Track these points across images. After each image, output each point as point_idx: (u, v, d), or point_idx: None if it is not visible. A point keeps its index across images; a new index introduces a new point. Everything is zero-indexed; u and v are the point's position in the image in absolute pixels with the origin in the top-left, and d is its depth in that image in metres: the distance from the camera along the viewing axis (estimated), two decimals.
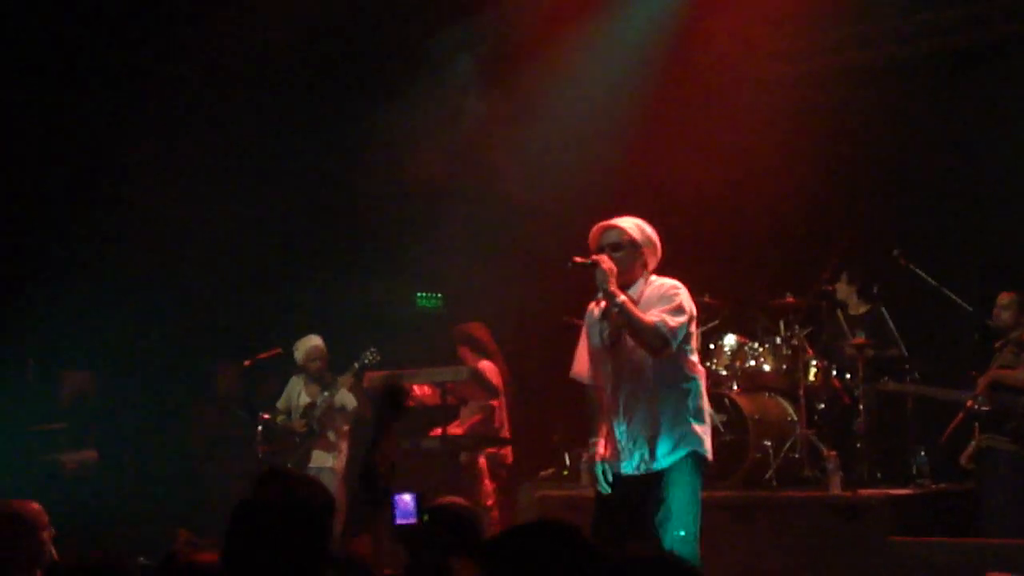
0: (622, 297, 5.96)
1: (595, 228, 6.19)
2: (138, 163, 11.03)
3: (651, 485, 6.01)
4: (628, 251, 6.10)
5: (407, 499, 4.02)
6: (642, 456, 6.05)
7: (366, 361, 9.77)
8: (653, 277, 6.21)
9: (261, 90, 11.26)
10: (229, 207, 11.17)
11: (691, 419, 6.10)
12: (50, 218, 10.93)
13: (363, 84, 11.66)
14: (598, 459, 6.17)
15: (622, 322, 6.01)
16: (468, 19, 11.37)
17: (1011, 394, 8.41)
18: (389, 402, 4.08)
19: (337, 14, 11.00)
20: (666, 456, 6.03)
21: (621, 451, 6.10)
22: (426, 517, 4.07)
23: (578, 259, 6.01)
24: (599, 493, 6.19)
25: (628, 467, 6.09)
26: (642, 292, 6.12)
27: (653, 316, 5.96)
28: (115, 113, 11.01)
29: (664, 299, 6.07)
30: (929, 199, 10.69)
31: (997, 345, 8.75)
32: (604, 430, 6.20)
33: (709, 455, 6.13)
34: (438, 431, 9.68)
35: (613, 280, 5.97)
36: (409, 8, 11.36)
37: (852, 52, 11.41)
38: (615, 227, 6.14)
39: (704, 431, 6.13)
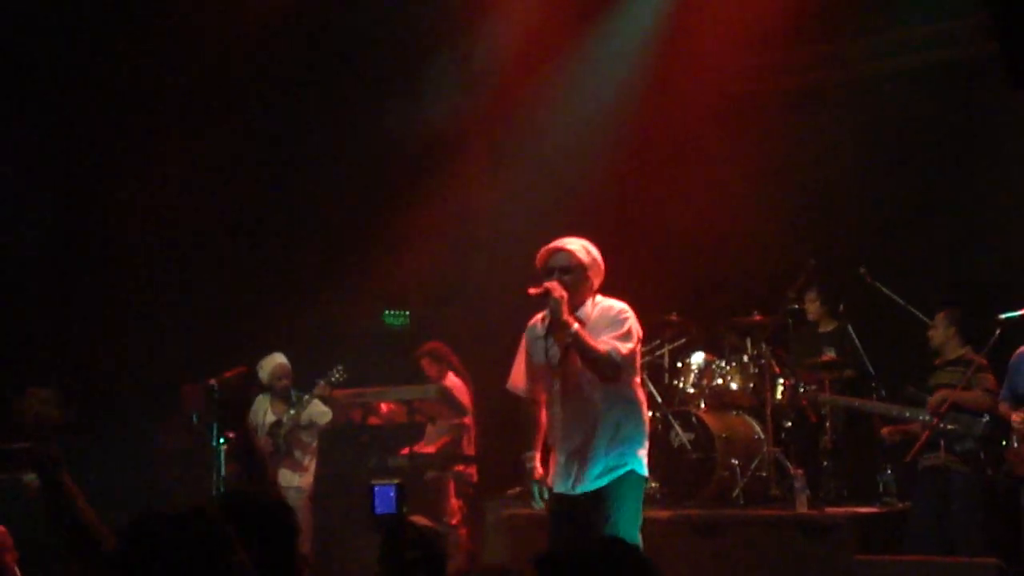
0: (576, 326, 5.99)
1: (543, 251, 6.20)
2: (104, 182, 10.99)
3: (595, 503, 6.06)
4: (576, 274, 6.13)
5: (387, 489, 4.00)
6: (583, 475, 6.10)
7: (333, 379, 9.73)
8: (599, 298, 6.25)
9: (229, 111, 11.22)
10: (194, 223, 11.12)
11: (631, 439, 6.18)
12: (14, 235, 10.84)
13: (332, 101, 11.63)
14: (536, 476, 6.22)
15: (576, 347, 6.02)
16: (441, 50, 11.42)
17: (967, 415, 8.45)
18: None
19: (309, 39, 11.02)
20: (607, 475, 6.10)
21: (561, 470, 6.16)
22: (406, 509, 4.06)
23: (533, 291, 6.04)
24: (551, 511, 6.24)
25: (566, 486, 6.14)
26: (590, 314, 6.15)
27: (605, 343, 6.01)
28: (80, 137, 10.97)
29: (614, 323, 6.11)
30: (896, 217, 10.72)
31: (937, 363, 8.83)
32: (540, 445, 6.24)
33: (646, 474, 6.23)
34: (405, 450, 9.66)
35: (566, 307, 5.99)
36: (384, 32, 11.36)
37: (821, 71, 11.45)
38: (563, 250, 6.16)
39: (643, 452, 6.21)
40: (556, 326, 6.04)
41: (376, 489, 3.90)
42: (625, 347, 6.06)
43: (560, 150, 11.38)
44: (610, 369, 6.04)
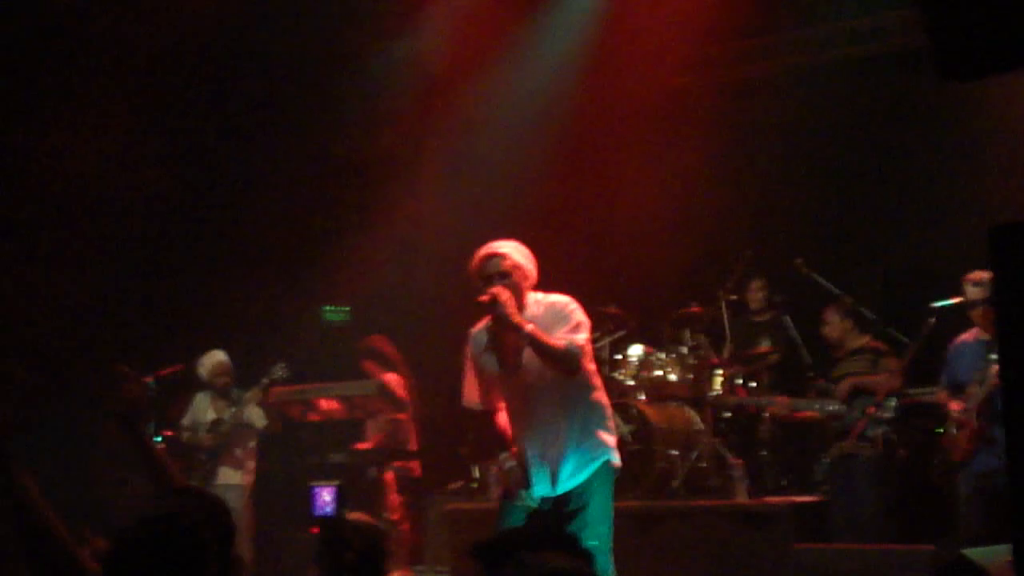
0: (529, 326, 5.94)
1: (476, 258, 6.11)
2: (43, 169, 10.86)
3: (571, 498, 6.01)
4: (515, 276, 6.06)
5: (327, 490, 3.97)
6: (560, 474, 6.04)
7: (275, 376, 9.68)
8: (539, 295, 6.19)
9: (169, 102, 11.13)
10: (134, 217, 11.04)
11: (599, 430, 6.12)
12: None
13: (274, 94, 11.57)
14: (523, 483, 6.10)
15: (534, 348, 6.00)
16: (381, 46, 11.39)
17: (872, 400, 8.60)
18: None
19: (243, 37, 10.95)
20: (580, 471, 6.03)
21: (533, 474, 6.09)
22: (347, 510, 4.03)
23: (482, 298, 5.95)
24: (506, 507, 6.16)
25: (544, 489, 6.07)
26: (535, 313, 6.08)
27: (561, 339, 5.96)
28: (20, 120, 10.84)
29: (562, 319, 6.05)
30: (832, 208, 10.82)
31: (838, 355, 9.02)
32: (514, 449, 6.20)
33: (619, 463, 6.16)
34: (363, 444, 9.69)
35: (515, 311, 5.96)
36: (325, 27, 11.31)
37: (755, 63, 11.53)
38: (497, 254, 6.07)
39: (612, 439, 6.16)
40: (508, 330, 6.00)
41: (315, 490, 3.88)
42: (581, 338, 6.01)
43: (499, 144, 11.39)
44: (572, 362, 5.99)
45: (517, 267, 6.08)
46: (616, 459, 6.13)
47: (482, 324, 6.17)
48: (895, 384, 8.66)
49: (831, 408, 8.74)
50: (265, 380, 9.69)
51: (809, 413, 9.03)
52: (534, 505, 6.05)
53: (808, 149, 10.92)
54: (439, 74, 11.47)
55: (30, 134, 10.70)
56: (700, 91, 11.45)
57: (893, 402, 8.59)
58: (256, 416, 9.78)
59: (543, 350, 5.95)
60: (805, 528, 8.43)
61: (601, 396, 6.22)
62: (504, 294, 5.94)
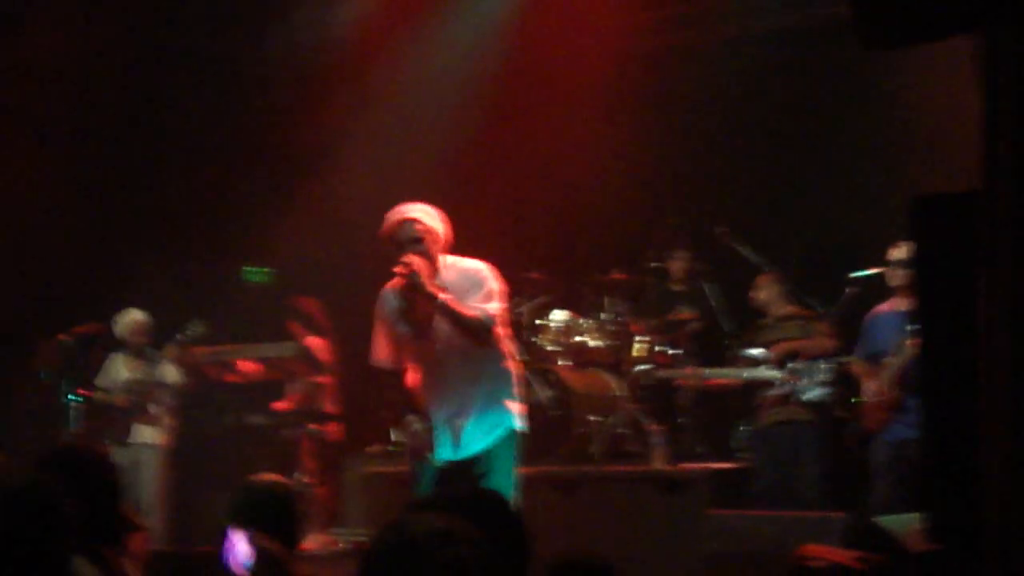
0: (442, 296, 5.95)
1: (388, 223, 6.11)
2: None
3: (476, 463, 6.06)
4: (427, 241, 6.05)
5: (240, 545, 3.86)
6: (463, 438, 6.09)
7: (188, 333, 9.58)
8: (452, 259, 6.19)
9: (89, 55, 10.95)
10: (48, 178, 10.85)
11: (505, 397, 6.19)
12: None
13: (192, 48, 11.42)
14: (428, 446, 6.14)
15: (446, 317, 5.99)
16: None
17: (808, 364, 8.67)
18: None
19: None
20: (485, 436, 6.09)
21: (442, 437, 6.13)
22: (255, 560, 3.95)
23: (399, 271, 5.96)
24: (416, 471, 6.20)
25: (447, 453, 6.11)
26: (445, 278, 6.09)
27: (473, 308, 5.99)
28: None
29: (476, 285, 6.08)
30: (754, 177, 10.87)
31: (763, 322, 9.09)
32: (422, 411, 6.20)
33: (524, 429, 6.23)
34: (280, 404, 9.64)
35: (429, 280, 5.96)
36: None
37: (683, 31, 11.52)
38: (410, 219, 6.07)
39: (518, 406, 6.22)
40: (422, 299, 5.99)
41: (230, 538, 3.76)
42: (493, 307, 6.05)
43: (424, 108, 11.32)
44: (484, 333, 6.04)
45: (429, 231, 6.07)
46: (522, 427, 6.19)
47: (394, 283, 6.15)
48: (829, 346, 8.73)
49: (767, 375, 8.80)
50: (180, 337, 9.59)
51: (729, 381, 9.09)
52: (438, 467, 6.08)
53: (736, 118, 10.95)
54: (364, 35, 11.36)
55: None
56: (628, 58, 11.42)
57: (825, 364, 8.65)
58: (170, 373, 9.68)
59: (456, 319, 5.98)
60: (723, 495, 8.49)
61: (510, 364, 6.26)
62: (417, 262, 5.93)
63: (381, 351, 6.32)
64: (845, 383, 8.67)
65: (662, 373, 9.51)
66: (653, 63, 11.31)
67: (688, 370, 9.47)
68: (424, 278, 5.92)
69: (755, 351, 8.90)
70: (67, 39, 10.65)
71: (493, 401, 6.13)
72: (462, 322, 5.97)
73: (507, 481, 6.01)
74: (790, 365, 8.71)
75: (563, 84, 11.26)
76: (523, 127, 11.36)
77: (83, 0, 10.50)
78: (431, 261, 6.05)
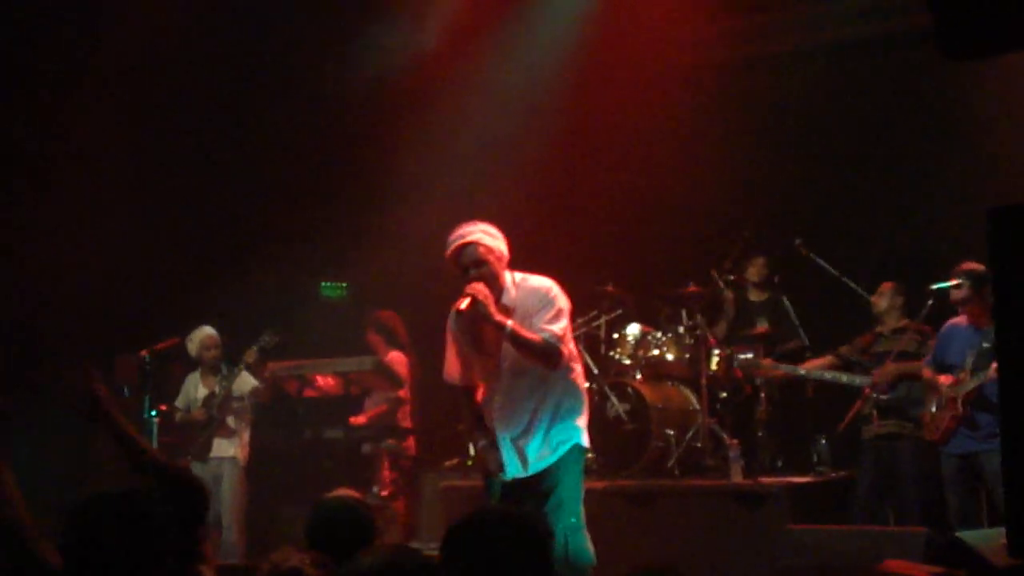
0: (509, 324, 5.96)
1: (450, 249, 6.13)
2: (34, 149, 10.84)
3: (542, 479, 6.09)
4: (491, 263, 6.07)
5: None
6: (530, 456, 6.13)
7: (264, 344, 9.63)
8: (518, 276, 6.21)
9: (164, 77, 11.09)
10: (128, 196, 11.00)
11: (573, 413, 6.20)
12: None
13: (268, 69, 11.53)
14: (498, 466, 6.17)
15: (513, 343, 6.02)
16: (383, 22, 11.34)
17: (919, 384, 8.54)
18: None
19: (243, 17, 10.92)
20: (552, 454, 6.11)
21: (509, 455, 6.15)
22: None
23: (463, 307, 5.99)
24: (488, 493, 6.24)
25: (515, 469, 6.14)
26: (514, 297, 6.11)
27: (539, 332, 6.00)
28: (16, 101, 10.82)
29: (544, 305, 6.09)
30: (831, 189, 10.78)
31: (879, 330, 8.94)
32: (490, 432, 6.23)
33: (588, 444, 6.27)
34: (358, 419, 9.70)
35: (494, 307, 5.97)
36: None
37: (758, 42, 11.47)
38: (470, 243, 6.08)
39: (583, 422, 6.24)
40: (488, 324, 6.03)
41: None
42: (559, 327, 6.05)
43: (497, 119, 11.33)
44: (551, 356, 6.05)
45: (491, 251, 6.08)
46: (585, 441, 6.22)
47: (462, 303, 6.16)
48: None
49: (858, 383, 8.73)
50: (254, 347, 9.64)
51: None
52: (506, 483, 6.10)
53: (810, 129, 10.87)
54: (440, 49, 11.41)
55: (28, 113, 10.70)
56: (704, 69, 11.38)
57: None
58: (245, 384, 9.73)
59: (522, 345, 6.01)
60: (803, 509, 8.42)
61: (577, 379, 6.30)
62: (482, 291, 5.95)
63: (452, 369, 6.37)
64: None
65: (768, 364, 9.39)
66: (726, 74, 11.27)
67: (794, 368, 9.37)
68: (490, 306, 5.95)
69: (857, 379, 8.78)
70: (147, 58, 10.81)
71: (559, 418, 6.15)
72: (529, 347, 6.00)
73: (573, 495, 6.05)
74: (900, 384, 8.60)
75: (636, 98, 11.23)
76: (597, 141, 11.35)
77: (163, 21, 10.59)
78: (495, 281, 6.07)
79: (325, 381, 10.03)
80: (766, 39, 11.40)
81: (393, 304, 10.73)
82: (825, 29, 11.12)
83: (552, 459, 6.09)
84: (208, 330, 9.90)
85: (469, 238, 6.08)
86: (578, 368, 6.33)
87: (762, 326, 9.81)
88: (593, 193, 11.35)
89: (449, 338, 6.34)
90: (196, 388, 9.89)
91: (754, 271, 10.16)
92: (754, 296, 10.17)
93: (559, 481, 6.03)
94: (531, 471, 6.11)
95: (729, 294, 10.17)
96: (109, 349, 10.61)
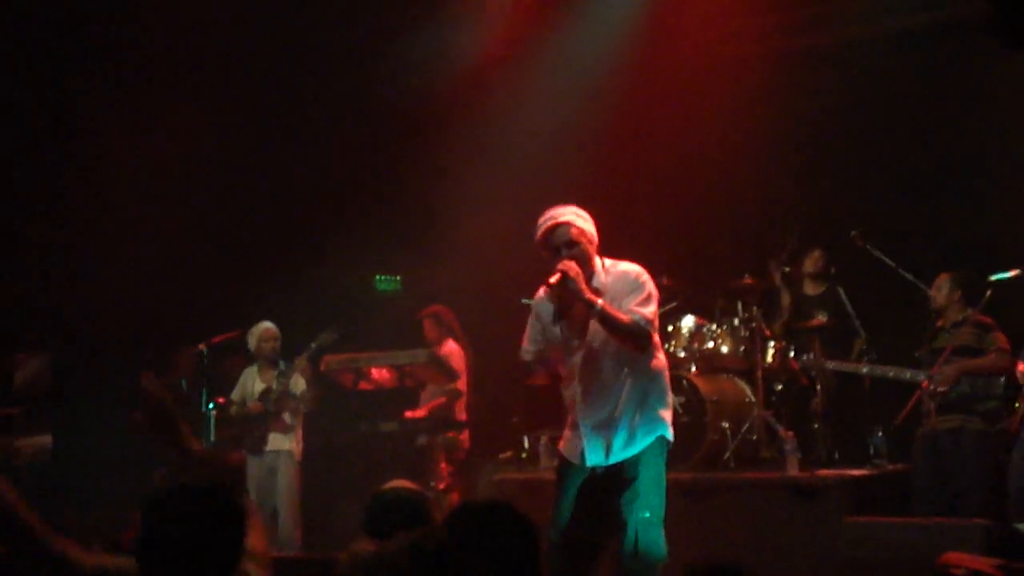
0: (600, 302, 5.86)
1: (541, 229, 6.03)
2: (94, 146, 10.97)
3: (624, 469, 5.98)
4: (582, 244, 5.99)
5: None
6: (614, 445, 6.01)
7: (323, 341, 9.68)
8: (608, 261, 6.12)
9: (219, 76, 11.18)
10: (185, 191, 11.10)
11: (657, 404, 6.09)
12: (5, 200, 10.82)
13: (320, 67, 11.59)
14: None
15: (604, 324, 5.91)
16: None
17: (983, 378, 8.47)
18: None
19: (294, 17, 10.99)
20: (635, 444, 5.99)
21: (591, 442, 6.05)
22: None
23: (553, 281, 5.87)
24: (563, 480, 6.15)
25: (597, 458, 6.04)
26: (604, 281, 6.02)
27: (629, 313, 5.91)
28: (76, 101, 10.94)
29: (633, 288, 6.00)
30: (888, 180, 10.71)
31: (939, 324, 8.85)
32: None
33: (672, 437, 6.13)
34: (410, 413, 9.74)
35: (584, 285, 5.87)
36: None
37: (813, 33, 11.40)
38: (562, 224, 6.00)
39: (668, 414, 6.12)
40: (578, 304, 5.92)
41: None
42: (649, 311, 5.95)
43: (550, 111, 11.33)
44: (641, 339, 5.96)
45: (583, 233, 6.01)
46: (670, 434, 6.10)
47: (544, 292, 6.12)
48: (1003, 364, 8.44)
49: (917, 379, 8.67)
50: (314, 345, 9.69)
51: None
52: (587, 471, 6.03)
53: (866, 119, 10.81)
54: (492, 44, 11.43)
55: (95, 121, 10.83)
56: (757, 61, 11.33)
57: (1003, 378, 8.44)
58: (299, 384, 9.78)
59: (614, 326, 5.88)
60: (861, 502, 8.37)
61: (662, 368, 6.16)
62: (573, 268, 5.87)
63: (528, 345, 6.26)
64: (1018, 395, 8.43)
65: (832, 365, 9.35)
66: (782, 66, 11.20)
67: (853, 364, 9.32)
68: (581, 284, 5.86)
69: (921, 375, 8.70)
70: (202, 58, 10.91)
71: (645, 408, 6.03)
72: (620, 328, 5.88)
73: (655, 488, 5.94)
74: (962, 380, 8.53)
75: (691, 89, 11.21)
76: (650, 135, 11.35)
77: (217, 18, 10.68)
78: (587, 264, 5.99)
79: (380, 374, 10.06)
80: (822, 30, 11.33)
81: (447, 297, 10.76)
82: (882, 18, 11.04)
83: (635, 450, 5.98)
84: (266, 324, 9.98)
85: (561, 219, 6.00)
86: (663, 357, 6.23)
87: (818, 318, 9.74)
88: (647, 186, 11.35)
89: (531, 315, 6.25)
90: (253, 382, 9.96)
91: (810, 263, 10.10)
92: (810, 289, 10.11)
93: (638, 474, 5.92)
94: (612, 460, 6.00)
95: (784, 286, 10.11)
96: (169, 343, 10.73)
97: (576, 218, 6.03)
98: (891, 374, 8.98)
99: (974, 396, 8.50)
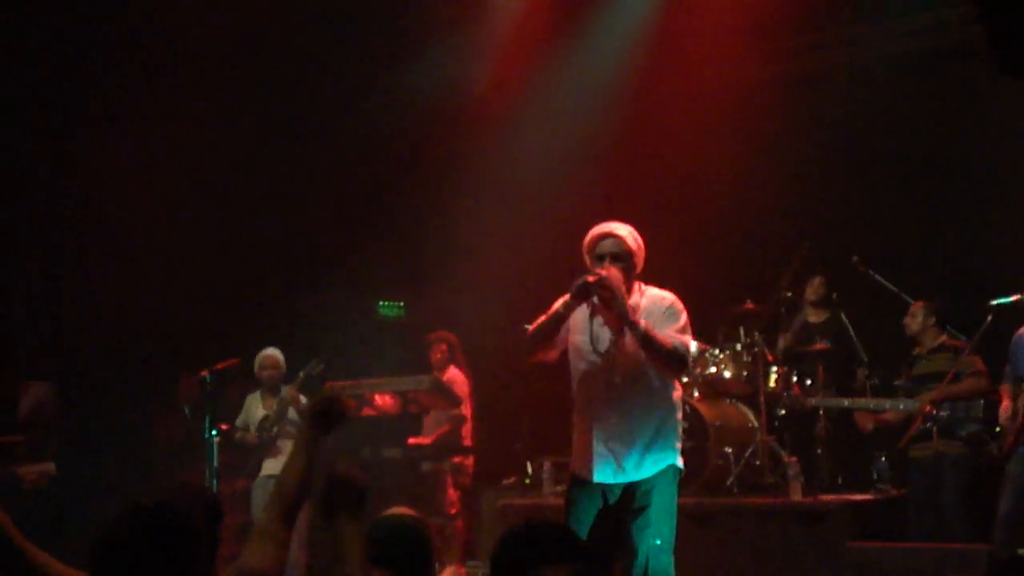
0: (643, 323, 5.85)
1: (591, 235, 6.03)
2: (101, 171, 11.00)
3: (636, 492, 5.95)
4: (626, 261, 5.97)
5: None
6: (626, 464, 5.96)
7: (311, 372, 9.65)
8: (644, 287, 6.11)
9: (221, 100, 11.23)
10: (190, 217, 11.13)
11: (672, 434, 6.06)
12: (10, 224, 10.86)
13: (323, 90, 11.64)
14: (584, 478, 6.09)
15: (643, 343, 5.87)
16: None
17: (963, 403, 8.52)
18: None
19: (295, 40, 11.04)
20: (646, 468, 5.95)
21: (596, 457, 6.00)
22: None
23: (590, 279, 5.82)
24: (573, 497, 6.11)
25: (607, 475, 5.99)
26: (638, 303, 6.00)
27: (670, 337, 5.89)
28: (77, 122, 10.98)
29: (672, 316, 5.99)
30: (889, 204, 10.73)
31: (916, 351, 8.94)
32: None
33: (683, 467, 6.11)
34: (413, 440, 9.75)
35: (624, 298, 5.84)
36: (376, 18, 11.36)
37: (815, 57, 11.45)
38: (613, 235, 5.99)
39: (679, 446, 6.10)
40: (611, 314, 5.91)
41: None
42: (688, 339, 5.98)
43: (556, 139, 11.38)
44: (681, 364, 5.98)
45: (629, 252, 5.99)
46: (682, 464, 6.08)
47: (590, 277, 5.99)
48: (982, 387, 8.54)
49: (910, 407, 8.70)
50: (301, 374, 9.67)
51: (892, 414, 8.93)
52: (597, 489, 6.00)
53: (867, 144, 10.85)
54: (498, 66, 11.48)
55: (96, 142, 10.88)
56: (760, 84, 11.37)
57: (982, 401, 8.50)
58: (293, 411, 9.76)
59: (656, 348, 5.85)
60: (864, 527, 8.37)
61: (679, 402, 6.15)
62: (616, 277, 5.87)
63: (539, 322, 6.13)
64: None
65: (815, 401, 9.38)
66: (788, 88, 11.24)
67: (842, 400, 9.35)
68: (622, 295, 5.83)
69: (902, 404, 8.74)
70: (204, 83, 10.96)
71: (661, 434, 5.99)
72: (661, 351, 5.84)
73: (667, 517, 5.91)
74: (942, 405, 8.57)
75: (696, 113, 11.24)
76: (657, 157, 11.37)
77: (223, 43, 10.75)
78: (627, 279, 5.97)
79: (383, 400, 10.07)
80: (827, 54, 11.37)
81: (450, 323, 10.78)
82: (884, 44, 11.08)
83: (646, 474, 5.93)
84: (268, 351, 9.93)
85: (616, 231, 6.01)
86: (681, 387, 6.23)
87: (820, 343, 9.75)
88: (650, 210, 11.32)
89: (558, 302, 6.04)
90: (257, 408, 9.94)
91: (812, 291, 10.12)
92: (812, 316, 10.12)
93: (651, 501, 5.89)
94: (622, 480, 5.96)
95: (786, 312, 10.12)
96: (171, 368, 10.74)
97: (629, 236, 6.03)
98: (872, 406, 9.02)
99: (954, 421, 8.55)
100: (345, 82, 11.56)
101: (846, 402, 9.29)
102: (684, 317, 6.01)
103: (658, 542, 5.81)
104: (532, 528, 3.34)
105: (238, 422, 9.96)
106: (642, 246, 6.08)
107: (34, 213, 11.01)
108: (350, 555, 3.81)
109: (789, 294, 10.05)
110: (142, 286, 11.05)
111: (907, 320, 8.97)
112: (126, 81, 11.07)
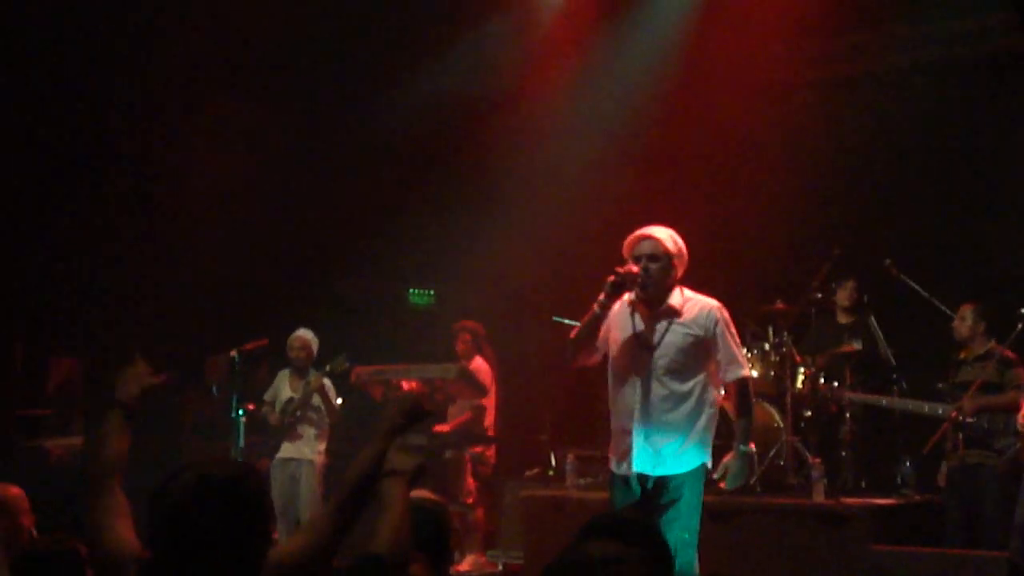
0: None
1: (630, 238, 6.17)
2: (131, 156, 11.07)
3: (663, 486, 6.09)
4: (663, 262, 6.11)
5: None
6: (662, 458, 6.11)
7: (336, 368, 9.66)
8: (687, 291, 6.25)
9: (254, 89, 11.28)
10: (221, 200, 11.18)
11: (707, 432, 6.25)
12: (41, 206, 10.92)
13: (357, 77, 11.66)
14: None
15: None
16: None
17: (1002, 415, 8.39)
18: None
19: (334, 12, 11.07)
20: (682, 463, 6.11)
21: (636, 447, 6.14)
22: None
23: (620, 269, 6.02)
24: (614, 489, 6.28)
25: (645, 466, 6.13)
26: (679, 307, 6.16)
27: (728, 375, 6.28)
28: (115, 113, 11.06)
29: (721, 332, 6.22)
30: (923, 209, 10.68)
31: (962, 356, 8.74)
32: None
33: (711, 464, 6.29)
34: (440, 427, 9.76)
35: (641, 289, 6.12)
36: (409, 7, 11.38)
37: (852, 62, 11.41)
38: (651, 238, 6.13)
39: (710, 446, 6.28)
40: (647, 311, 6.16)
41: None
42: (741, 355, 6.39)
43: (589, 134, 11.38)
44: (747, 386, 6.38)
45: (667, 254, 6.14)
46: (711, 463, 6.27)
47: (626, 298, 6.22)
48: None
49: (940, 413, 8.59)
50: (328, 368, 9.68)
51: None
52: (634, 478, 6.10)
53: (902, 149, 10.80)
54: (531, 60, 11.48)
55: (134, 134, 10.96)
56: (795, 87, 11.35)
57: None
58: (316, 398, 9.76)
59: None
60: (887, 530, 8.34)
61: (717, 404, 6.35)
62: (638, 273, 6.02)
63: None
64: None
65: (853, 397, 9.33)
66: (821, 94, 11.22)
67: (876, 397, 9.29)
68: (639, 291, 6.06)
69: (941, 409, 8.62)
70: (238, 77, 11.02)
71: (699, 432, 6.18)
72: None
73: (695, 512, 6.06)
74: (982, 415, 8.45)
75: (728, 117, 11.20)
76: (687, 158, 11.34)
77: (257, 36, 10.79)
78: (662, 281, 6.12)
79: (410, 386, 10.10)
80: (860, 59, 11.33)
81: (479, 313, 10.80)
82: (921, 50, 11.04)
83: (682, 469, 6.10)
84: (300, 332, 9.94)
85: (655, 234, 6.15)
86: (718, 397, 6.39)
87: (850, 345, 9.70)
88: (681, 211, 11.32)
89: (596, 311, 6.17)
90: (284, 387, 9.94)
91: (844, 295, 10.05)
92: (843, 318, 10.07)
93: (682, 495, 6.03)
94: (658, 472, 6.10)
95: (816, 312, 10.09)
96: (200, 346, 10.78)
97: (668, 238, 6.17)
98: (910, 407, 8.95)
99: (992, 432, 8.43)
100: (384, 78, 11.57)
101: (884, 401, 9.23)
102: (732, 327, 6.29)
103: (686, 536, 5.96)
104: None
105: (266, 397, 9.97)
106: (683, 249, 6.24)
107: (69, 194, 11.06)
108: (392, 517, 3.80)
109: (819, 296, 10.00)
110: (173, 268, 11.10)
111: (955, 323, 8.69)
112: (191, 84, 11.14)
